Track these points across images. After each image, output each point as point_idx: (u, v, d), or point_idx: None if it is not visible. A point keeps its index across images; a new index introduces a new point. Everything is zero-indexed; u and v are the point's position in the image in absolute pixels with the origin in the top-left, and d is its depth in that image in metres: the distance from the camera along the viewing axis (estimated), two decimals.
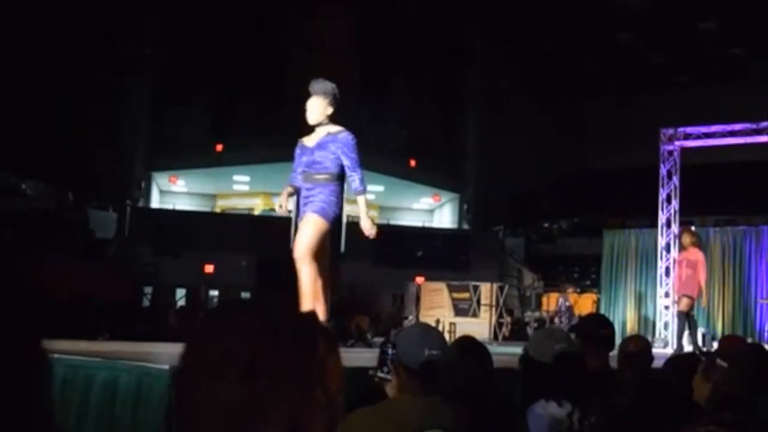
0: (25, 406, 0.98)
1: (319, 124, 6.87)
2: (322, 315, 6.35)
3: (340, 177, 6.81)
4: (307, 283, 6.49)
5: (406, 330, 3.86)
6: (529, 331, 17.87)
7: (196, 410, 1.30)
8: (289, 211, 7.17)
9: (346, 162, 6.74)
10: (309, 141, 6.93)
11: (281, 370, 1.28)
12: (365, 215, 6.76)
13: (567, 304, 17.35)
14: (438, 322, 17.77)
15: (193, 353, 1.33)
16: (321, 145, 6.82)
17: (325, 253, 6.71)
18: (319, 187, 6.72)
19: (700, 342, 14.09)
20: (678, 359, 5.84)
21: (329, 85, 6.89)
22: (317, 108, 6.85)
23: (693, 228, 16.27)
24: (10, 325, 0.99)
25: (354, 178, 6.78)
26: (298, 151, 6.99)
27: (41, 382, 1.03)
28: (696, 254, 13.50)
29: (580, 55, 26.56)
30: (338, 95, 6.96)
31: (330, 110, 6.87)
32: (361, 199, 6.81)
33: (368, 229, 6.72)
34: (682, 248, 14.42)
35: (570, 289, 17.96)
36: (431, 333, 3.65)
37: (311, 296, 6.48)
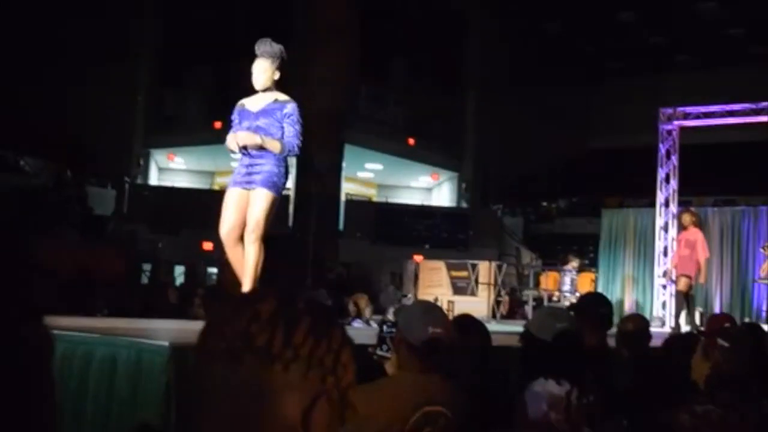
0: (26, 383, 0.98)
1: (265, 90, 6.44)
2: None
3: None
4: (254, 261, 6.23)
5: (410, 307, 3.87)
6: (527, 309, 17.89)
7: (213, 390, 1.31)
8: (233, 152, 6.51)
9: (290, 130, 6.29)
10: (252, 105, 6.48)
11: (296, 356, 1.30)
12: (265, 142, 6.23)
13: (572, 276, 17.44)
14: (436, 300, 17.75)
15: (212, 335, 1.34)
16: (267, 112, 6.38)
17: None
18: (267, 156, 6.30)
19: (698, 321, 14.12)
20: (675, 339, 5.86)
21: (277, 47, 6.46)
22: (265, 72, 6.43)
23: (692, 208, 16.27)
24: (13, 301, 0.99)
25: (293, 144, 6.29)
26: (236, 114, 6.53)
27: (42, 359, 1.03)
28: (695, 234, 13.52)
29: (580, 35, 26.50)
30: (286, 58, 6.52)
31: (278, 75, 6.47)
32: (274, 146, 6.24)
33: (243, 138, 6.24)
34: (681, 228, 14.46)
35: (573, 263, 17.89)
36: (435, 311, 3.66)
37: (254, 273, 6.23)
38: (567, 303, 15.00)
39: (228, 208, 6.37)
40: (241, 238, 6.31)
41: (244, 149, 6.28)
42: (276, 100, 6.39)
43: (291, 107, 6.36)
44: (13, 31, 19.35)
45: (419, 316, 3.52)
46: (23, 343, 1.00)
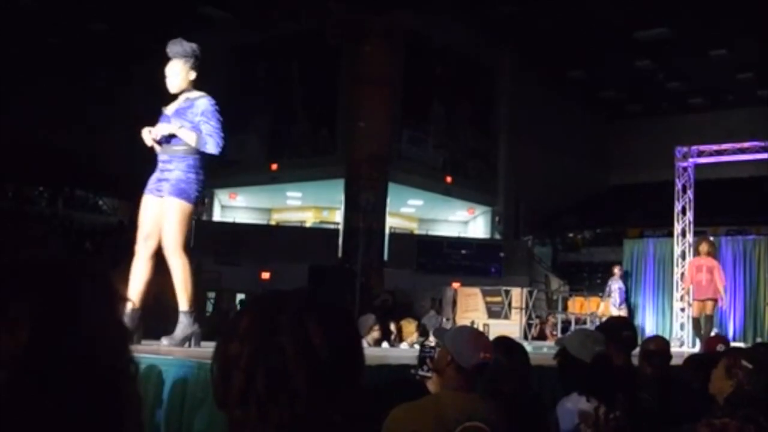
0: (119, 402, 1.00)
1: (181, 92, 5.68)
2: (188, 305, 5.84)
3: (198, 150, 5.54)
4: (181, 275, 5.68)
5: (460, 332, 3.85)
6: (548, 331, 17.79)
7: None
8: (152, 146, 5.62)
9: (206, 127, 5.53)
10: (169, 109, 5.72)
11: (315, 362, 1.28)
12: (179, 131, 5.50)
13: (620, 285, 17.34)
14: (473, 323, 17.71)
15: (236, 339, 1.33)
16: (178, 112, 5.61)
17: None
18: (176, 160, 5.53)
19: None
20: (696, 358, 5.81)
21: (188, 46, 5.65)
22: (178, 74, 5.64)
23: (711, 237, 16.14)
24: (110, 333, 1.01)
25: (208, 142, 5.52)
26: (159, 120, 5.70)
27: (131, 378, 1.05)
28: (712, 261, 13.48)
29: (603, 81, 26.45)
30: (200, 56, 5.71)
31: (193, 75, 5.69)
32: (189, 136, 5.48)
33: (156, 130, 5.50)
34: (697, 254, 14.32)
35: (616, 269, 17.89)
36: (483, 338, 3.68)
37: (185, 286, 5.74)
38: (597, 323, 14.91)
39: (141, 217, 5.67)
40: (158, 251, 5.67)
41: (158, 144, 5.52)
42: (187, 99, 5.65)
43: (203, 102, 5.61)
44: (87, 81, 19.66)
45: (471, 341, 3.52)
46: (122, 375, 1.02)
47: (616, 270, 17.55)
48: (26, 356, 0.90)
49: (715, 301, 13.31)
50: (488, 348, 3.50)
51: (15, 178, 21.92)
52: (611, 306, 16.82)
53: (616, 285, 17.18)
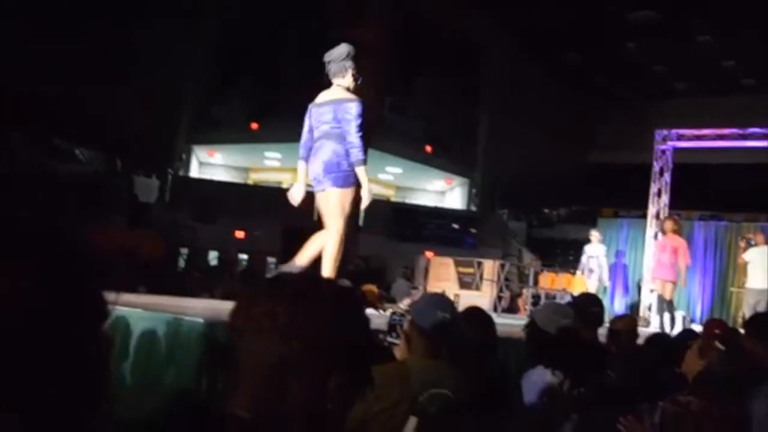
0: (88, 349, 0.99)
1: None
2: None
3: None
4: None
5: (423, 296, 3.88)
6: (520, 304, 17.87)
7: (241, 363, 1.32)
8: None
9: None
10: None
11: (316, 335, 1.30)
12: None
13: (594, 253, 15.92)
14: (444, 293, 17.79)
15: (241, 313, 1.35)
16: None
17: None
18: None
19: (679, 324, 14.06)
20: (656, 338, 5.86)
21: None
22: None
23: (676, 216, 16.06)
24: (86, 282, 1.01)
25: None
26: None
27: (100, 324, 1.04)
28: (677, 240, 13.26)
29: (588, 61, 26.41)
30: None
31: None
32: None
33: None
34: (663, 233, 14.13)
35: (595, 234, 16.36)
36: (444, 299, 3.69)
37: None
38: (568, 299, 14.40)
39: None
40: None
41: None
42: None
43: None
44: (74, 33, 19.43)
45: (431, 302, 3.55)
46: (94, 323, 1.01)
47: (595, 234, 16.30)
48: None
49: (673, 283, 13.15)
50: (447, 308, 3.51)
51: None
52: (586, 277, 15.68)
53: (594, 251, 15.97)
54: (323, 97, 6.41)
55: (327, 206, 6.27)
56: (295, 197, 6.42)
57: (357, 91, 6.44)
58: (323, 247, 6.29)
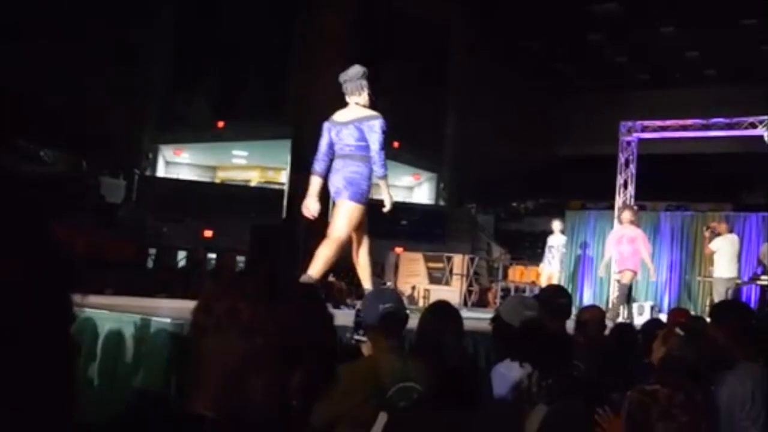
0: (51, 348, 0.98)
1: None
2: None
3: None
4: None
5: (365, 296, 3.93)
6: (490, 297, 17.91)
7: (204, 360, 1.31)
8: None
9: None
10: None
11: (278, 331, 1.30)
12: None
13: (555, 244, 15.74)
14: (414, 288, 17.84)
15: (203, 311, 1.34)
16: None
17: None
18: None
19: (647, 313, 14.14)
20: (621, 328, 5.91)
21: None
22: None
23: (635, 206, 16.00)
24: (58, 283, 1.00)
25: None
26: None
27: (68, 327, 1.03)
28: (635, 231, 13.12)
29: (552, 53, 26.52)
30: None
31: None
32: None
33: None
34: (619, 222, 13.98)
35: (556, 224, 15.91)
36: (384, 291, 3.73)
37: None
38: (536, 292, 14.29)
39: None
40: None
41: None
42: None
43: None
44: (40, 31, 19.24)
45: (372, 298, 3.59)
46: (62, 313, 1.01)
47: (556, 224, 15.93)
48: None
49: (634, 272, 13.11)
50: (388, 300, 3.54)
51: None
52: (546, 266, 15.56)
53: (555, 242, 15.73)
54: (344, 116, 6.84)
55: (339, 213, 6.73)
56: (312, 211, 6.82)
57: (372, 107, 6.99)
58: (321, 249, 6.62)
